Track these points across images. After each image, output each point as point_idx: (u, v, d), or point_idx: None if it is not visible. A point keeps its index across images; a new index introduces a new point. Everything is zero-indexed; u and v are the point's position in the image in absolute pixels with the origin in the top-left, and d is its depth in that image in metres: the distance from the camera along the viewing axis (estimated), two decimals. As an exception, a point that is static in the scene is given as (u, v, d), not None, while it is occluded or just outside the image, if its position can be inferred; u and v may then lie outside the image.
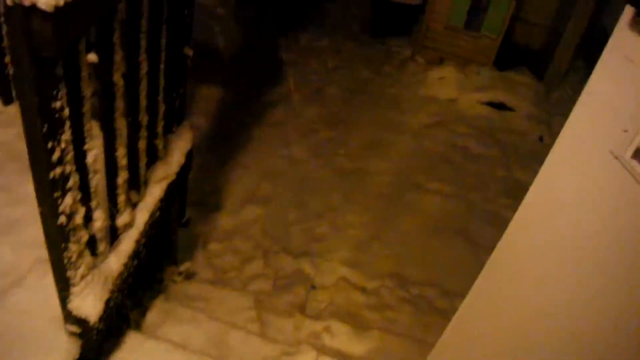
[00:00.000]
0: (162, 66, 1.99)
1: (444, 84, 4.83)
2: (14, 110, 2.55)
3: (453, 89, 4.78)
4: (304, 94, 4.57)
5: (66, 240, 1.59)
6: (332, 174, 3.83)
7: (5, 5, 1.16)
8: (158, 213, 2.24)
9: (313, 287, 3.03)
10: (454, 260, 3.25)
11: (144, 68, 1.82)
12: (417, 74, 4.95)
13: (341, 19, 5.59)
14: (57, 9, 1.13)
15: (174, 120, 2.33)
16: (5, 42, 2.17)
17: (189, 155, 2.52)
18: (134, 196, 2.07)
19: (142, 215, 2.11)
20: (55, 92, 1.31)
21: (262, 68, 4.80)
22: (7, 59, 2.29)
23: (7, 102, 2.53)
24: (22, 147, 2.35)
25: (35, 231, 1.64)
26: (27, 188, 2.16)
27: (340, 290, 3.02)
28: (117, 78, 1.62)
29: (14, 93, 2.48)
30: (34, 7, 1.13)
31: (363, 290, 3.04)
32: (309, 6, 5.61)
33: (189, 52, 2.21)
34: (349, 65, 5.02)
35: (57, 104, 1.33)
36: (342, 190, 3.70)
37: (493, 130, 4.49)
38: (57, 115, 1.35)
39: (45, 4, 1.11)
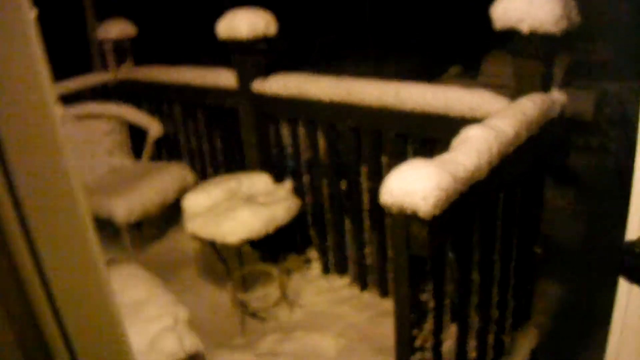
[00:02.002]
0: (512, 264, 2.08)
1: None
2: (367, 297, 2.93)
3: None
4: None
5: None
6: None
7: (392, 214, 1.45)
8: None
9: None
10: None
11: (497, 266, 1.94)
12: None
13: None
14: (434, 217, 1.37)
15: (520, 317, 2.34)
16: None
17: (534, 353, 2.45)
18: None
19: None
20: (423, 286, 1.52)
21: (601, 266, 4.47)
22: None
23: (384, 294, 2.87)
24: (371, 330, 2.68)
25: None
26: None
27: None
28: (474, 275, 1.77)
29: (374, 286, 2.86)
30: (414, 216, 1.38)
31: None
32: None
33: (538, 250, 2.28)
34: None
35: (424, 297, 1.53)
36: None
37: None
38: (423, 307, 1.54)
39: (424, 213, 1.35)
